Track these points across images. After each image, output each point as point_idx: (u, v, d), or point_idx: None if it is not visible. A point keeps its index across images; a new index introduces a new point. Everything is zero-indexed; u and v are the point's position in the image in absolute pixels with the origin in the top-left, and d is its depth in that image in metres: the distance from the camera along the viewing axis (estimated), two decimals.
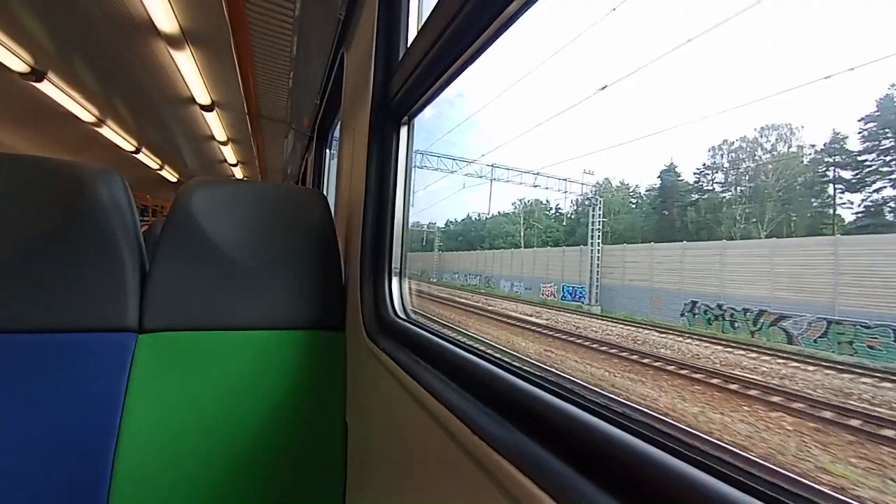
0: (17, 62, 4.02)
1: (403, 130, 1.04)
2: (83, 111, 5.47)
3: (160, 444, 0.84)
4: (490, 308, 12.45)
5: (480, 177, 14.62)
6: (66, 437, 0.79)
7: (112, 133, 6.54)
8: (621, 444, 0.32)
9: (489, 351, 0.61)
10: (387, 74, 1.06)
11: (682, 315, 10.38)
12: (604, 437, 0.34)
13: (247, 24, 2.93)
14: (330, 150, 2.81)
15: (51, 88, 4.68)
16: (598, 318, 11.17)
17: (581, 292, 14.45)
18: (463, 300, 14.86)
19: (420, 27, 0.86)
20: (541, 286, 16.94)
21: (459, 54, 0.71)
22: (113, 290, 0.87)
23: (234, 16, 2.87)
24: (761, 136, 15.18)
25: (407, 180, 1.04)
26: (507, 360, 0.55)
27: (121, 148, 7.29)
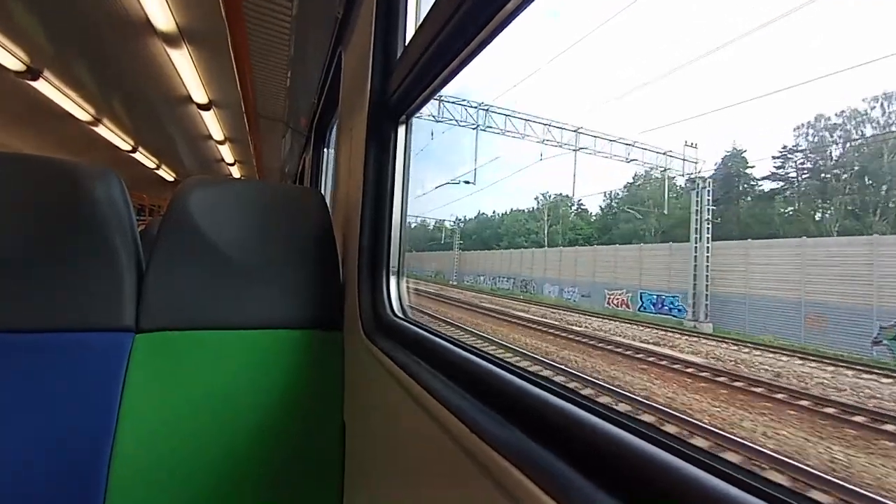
0: (13, 60, 3.99)
1: (401, 130, 1.03)
2: (79, 110, 5.44)
3: (157, 444, 0.84)
4: (569, 327, 9.02)
5: (561, 145, 11.66)
6: (63, 436, 0.78)
7: (108, 132, 6.50)
8: (621, 443, 0.32)
9: (487, 350, 0.60)
10: (384, 73, 1.05)
11: (879, 343, 6.94)
12: (603, 437, 0.34)
13: (244, 22, 2.92)
14: (328, 149, 2.81)
15: (46, 87, 4.65)
16: (759, 348, 7.31)
17: (674, 303, 11.07)
18: (518, 312, 11.26)
19: (418, 25, 0.86)
20: (605, 293, 13.14)
21: (457, 52, 0.70)
22: (110, 290, 0.86)
23: (231, 14, 2.86)
24: (873, 109, 12.26)
25: (405, 180, 1.04)
26: (505, 359, 0.55)
27: (118, 147, 7.25)
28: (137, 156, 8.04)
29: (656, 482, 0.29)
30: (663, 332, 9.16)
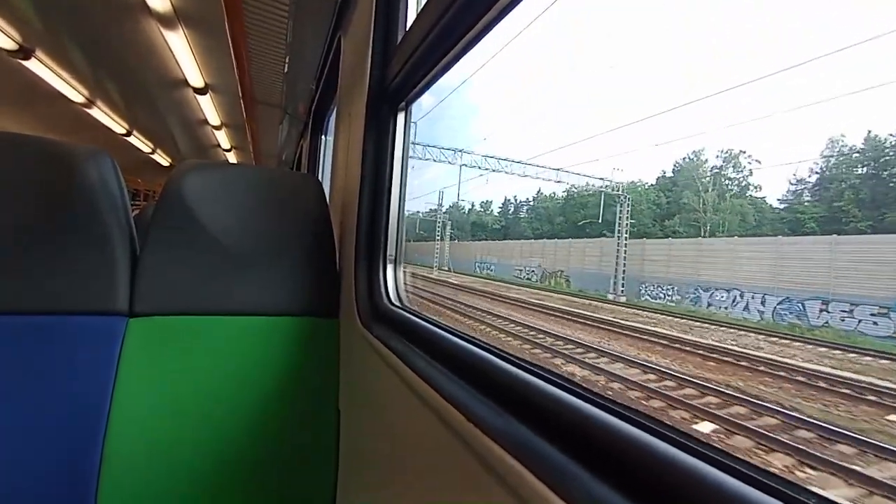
0: (5, 39, 3.90)
1: (400, 116, 1.02)
2: (72, 91, 5.34)
3: (150, 429, 0.84)
4: None
5: None
6: (56, 420, 0.78)
7: (102, 115, 6.40)
8: (618, 432, 0.32)
9: (483, 339, 0.60)
10: (384, 59, 1.04)
11: None
12: (599, 426, 0.34)
13: (242, 4, 2.86)
14: (326, 136, 2.78)
15: (39, 67, 4.56)
16: None
17: None
18: None
19: (419, 10, 0.85)
20: None
21: (459, 38, 0.69)
22: (103, 273, 0.86)
23: None
24: None
25: (403, 167, 1.03)
26: (501, 348, 0.55)
27: (112, 130, 7.14)
28: (132, 139, 7.93)
29: (655, 472, 0.29)
30: None
